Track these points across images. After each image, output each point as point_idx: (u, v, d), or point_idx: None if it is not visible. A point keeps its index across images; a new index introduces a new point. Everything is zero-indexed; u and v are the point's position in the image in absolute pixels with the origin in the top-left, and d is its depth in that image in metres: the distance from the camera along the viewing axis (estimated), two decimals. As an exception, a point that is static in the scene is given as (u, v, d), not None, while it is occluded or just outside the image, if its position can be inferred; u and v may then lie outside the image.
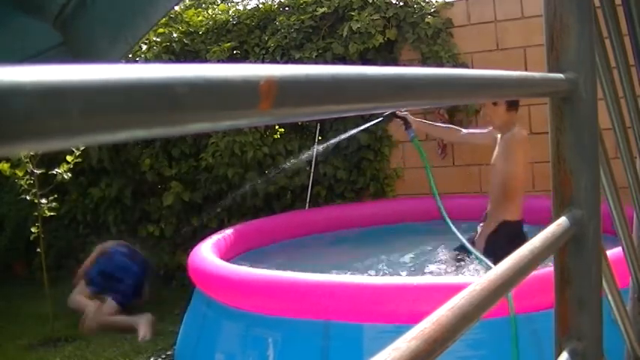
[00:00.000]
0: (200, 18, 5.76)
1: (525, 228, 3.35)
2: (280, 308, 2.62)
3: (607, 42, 1.10)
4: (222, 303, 2.89)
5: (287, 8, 5.49)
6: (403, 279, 2.79)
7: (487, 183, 4.98)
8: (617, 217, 1.10)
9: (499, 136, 3.47)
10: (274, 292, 2.63)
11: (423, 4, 5.10)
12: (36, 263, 5.34)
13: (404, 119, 3.64)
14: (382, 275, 3.36)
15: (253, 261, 3.71)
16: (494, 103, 3.31)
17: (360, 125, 5.11)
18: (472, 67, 4.90)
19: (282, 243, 4.36)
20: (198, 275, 3.12)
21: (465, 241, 3.21)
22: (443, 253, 3.64)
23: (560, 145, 0.78)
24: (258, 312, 2.68)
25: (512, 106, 3.36)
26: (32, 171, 4.18)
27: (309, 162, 5.05)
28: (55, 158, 4.74)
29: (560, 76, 0.75)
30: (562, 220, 0.74)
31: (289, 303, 2.59)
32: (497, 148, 3.49)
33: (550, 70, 0.77)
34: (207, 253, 3.24)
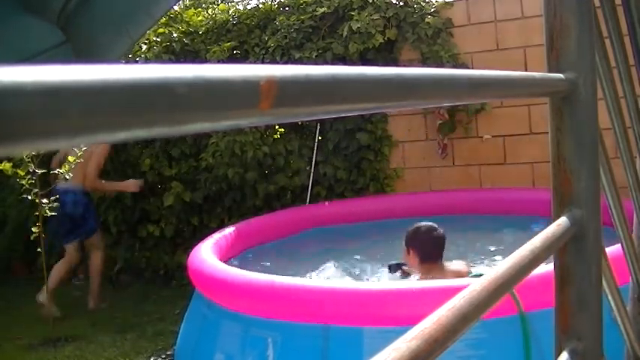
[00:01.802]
0: (200, 18, 5.76)
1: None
2: (280, 312, 2.62)
3: (607, 42, 1.10)
4: (221, 306, 2.88)
5: (287, 8, 5.49)
6: (402, 283, 2.79)
7: (487, 183, 4.99)
8: (617, 218, 1.10)
9: None
10: (274, 296, 2.63)
11: (423, 4, 5.11)
12: (36, 263, 5.34)
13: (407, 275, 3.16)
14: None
15: (253, 260, 3.71)
16: (407, 252, 2.97)
17: (360, 126, 5.12)
18: (472, 67, 4.90)
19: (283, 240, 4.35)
20: (198, 278, 3.12)
21: None
22: None
23: (560, 145, 0.78)
24: (257, 315, 2.68)
25: (426, 259, 2.93)
26: (34, 171, 4.19)
27: (309, 162, 5.06)
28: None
29: (560, 76, 0.75)
30: (562, 220, 0.74)
31: (289, 307, 2.59)
32: None
33: (550, 70, 0.77)
34: (206, 255, 3.23)
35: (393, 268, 3.24)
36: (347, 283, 2.82)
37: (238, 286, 2.75)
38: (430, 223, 3.00)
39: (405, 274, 3.16)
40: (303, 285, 2.64)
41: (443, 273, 2.90)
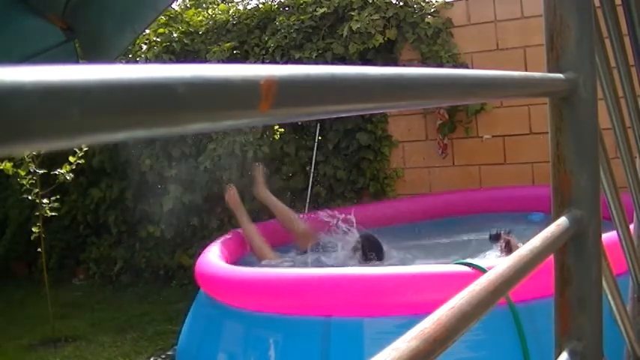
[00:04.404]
0: (200, 18, 5.76)
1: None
2: (281, 305, 2.62)
3: (607, 42, 1.10)
4: (224, 303, 2.89)
5: (287, 8, 5.49)
6: (403, 269, 2.77)
7: (487, 183, 4.99)
8: (617, 218, 1.10)
9: None
10: (275, 289, 2.64)
11: (423, 4, 5.10)
12: (36, 263, 5.34)
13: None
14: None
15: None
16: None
17: (360, 126, 5.10)
18: (472, 67, 4.90)
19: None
20: (201, 275, 3.15)
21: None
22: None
23: (560, 145, 0.78)
24: (258, 310, 2.69)
25: None
26: (34, 171, 4.19)
27: (309, 162, 5.05)
28: (54, 159, 4.74)
29: (560, 76, 0.75)
30: (562, 220, 0.74)
31: (289, 300, 2.60)
32: None
33: (550, 70, 0.77)
34: (212, 256, 3.26)
35: (493, 238, 3.21)
36: (349, 270, 2.81)
37: (241, 280, 2.78)
38: None
39: (507, 245, 3.15)
40: (303, 275, 2.65)
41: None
